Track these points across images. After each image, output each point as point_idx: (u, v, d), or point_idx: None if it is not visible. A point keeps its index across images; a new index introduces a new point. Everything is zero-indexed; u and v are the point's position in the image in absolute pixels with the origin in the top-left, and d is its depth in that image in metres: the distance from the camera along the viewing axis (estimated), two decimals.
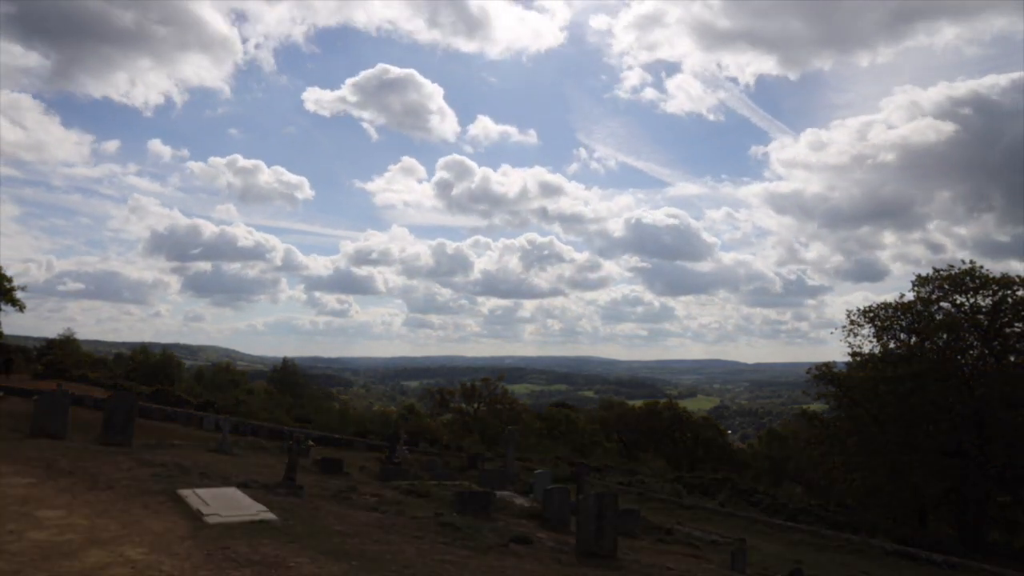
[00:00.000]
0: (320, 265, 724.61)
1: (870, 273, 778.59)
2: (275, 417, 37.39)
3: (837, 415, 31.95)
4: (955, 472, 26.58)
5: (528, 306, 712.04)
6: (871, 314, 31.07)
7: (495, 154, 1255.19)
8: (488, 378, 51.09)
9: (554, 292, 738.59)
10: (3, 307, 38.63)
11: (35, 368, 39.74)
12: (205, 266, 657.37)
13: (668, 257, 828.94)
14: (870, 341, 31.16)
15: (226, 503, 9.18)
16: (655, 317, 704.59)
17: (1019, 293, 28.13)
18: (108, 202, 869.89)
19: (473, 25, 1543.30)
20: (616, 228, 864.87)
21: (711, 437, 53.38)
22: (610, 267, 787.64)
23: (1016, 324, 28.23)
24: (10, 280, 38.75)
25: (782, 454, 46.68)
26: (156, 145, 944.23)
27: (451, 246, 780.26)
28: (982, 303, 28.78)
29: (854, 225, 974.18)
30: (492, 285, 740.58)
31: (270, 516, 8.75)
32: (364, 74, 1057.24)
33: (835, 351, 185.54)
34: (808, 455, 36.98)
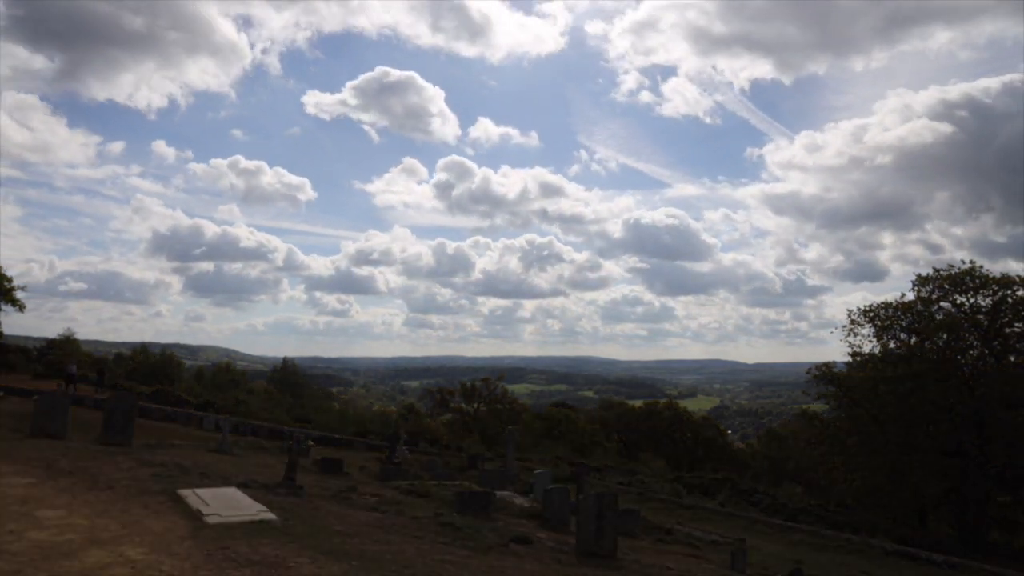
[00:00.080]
0: (321, 265, 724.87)
1: (869, 273, 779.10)
2: (275, 417, 37.40)
3: (837, 415, 31.96)
4: (955, 472, 26.59)
5: (528, 306, 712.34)
6: (871, 314, 31.08)
7: (496, 156, 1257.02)
8: (488, 378, 51.09)
9: (554, 292, 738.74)
10: (3, 307, 38.63)
11: (35, 368, 39.76)
12: (207, 266, 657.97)
13: (668, 257, 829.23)
14: (870, 341, 31.24)
15: (226, 503, 9.18)
16: (655, 317, 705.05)
17: (1019, 293, 28.14)
18: (111, 203, 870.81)
19: (475, 31, 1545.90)
20: (616, 228, 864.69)
21: (711, 437, 53.43)
22: (610, 267, 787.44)
23: (1016, 324, 28.24)
24: (10, 280, 38.75)
25: (782, 454, 46.70)
26: (160, 146, 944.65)
27: (451, 246, 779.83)
28: (982, 303, 28.79)
29: (852, 226, 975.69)
30: (492, 285, 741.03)
31: (270, 516, 8.75)
32: (365, 77, 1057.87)
33: (835, 351, 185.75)
34: (808, 455, 37.02)
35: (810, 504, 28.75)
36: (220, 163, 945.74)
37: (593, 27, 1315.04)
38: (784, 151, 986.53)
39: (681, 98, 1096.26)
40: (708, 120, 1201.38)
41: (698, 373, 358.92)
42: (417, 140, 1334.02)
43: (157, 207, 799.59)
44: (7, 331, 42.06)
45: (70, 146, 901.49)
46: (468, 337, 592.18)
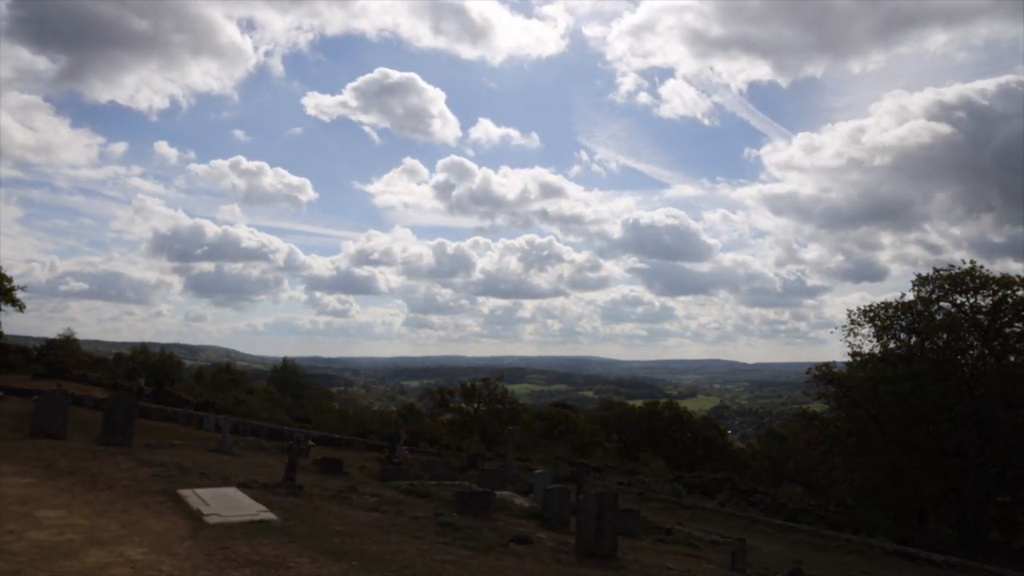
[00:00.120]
0: (321, 265, 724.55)
1: (869, 273, 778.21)
2: (275, 417, 37.41)
3: (837, 415, 31.93)
4: (955, 472, 26.58)
5: (528, 306, 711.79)
6: (871, 314, 31.07)
7: (496, 157, 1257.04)
8: (488, 378, 51.06)
9: (554, 292, 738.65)
10: (3, 307, 38.64)
11: (35, 368, 39.78)
12: (208, 266, 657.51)
13: (668, 257, 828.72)
14: (870, 341, 31.19)
15: (226, 503, 9.18)
16: (655, 317, 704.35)
17: (1019, 293, 28.12)
18: (112, 203, 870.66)
19: (476, 34, 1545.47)
20: (616, 229, 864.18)
21: (711, 437, 53.42)
22: (610, 267, 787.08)
23: (1016, 324, 28.23)
24: (10, 280, 38.77)
25: (782, 454, 46.68)
26: (163, 147, 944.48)
27: (451, 246, 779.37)
28: (982, 303, 28.78)
29: (852, 226, 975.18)
30: (492, 285, 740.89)
31: (270, 516, 8.76)
32: (366, 78, 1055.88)
33: (835, 351, 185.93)
34: (808, 455, 36.99)
35: (810, 504, 28.74)
36: (221, 164, 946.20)
37: (593, 30, 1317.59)
38: (782, 152, 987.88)
39: (679, 99, 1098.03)
40: (707, 121, 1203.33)
41: (698, 373, 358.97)
42: (418, 141, 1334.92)
43: (159, 207, 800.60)
44: (7, 331, 42.10)
45: (73, 147, 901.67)
46: (468, 337, 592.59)
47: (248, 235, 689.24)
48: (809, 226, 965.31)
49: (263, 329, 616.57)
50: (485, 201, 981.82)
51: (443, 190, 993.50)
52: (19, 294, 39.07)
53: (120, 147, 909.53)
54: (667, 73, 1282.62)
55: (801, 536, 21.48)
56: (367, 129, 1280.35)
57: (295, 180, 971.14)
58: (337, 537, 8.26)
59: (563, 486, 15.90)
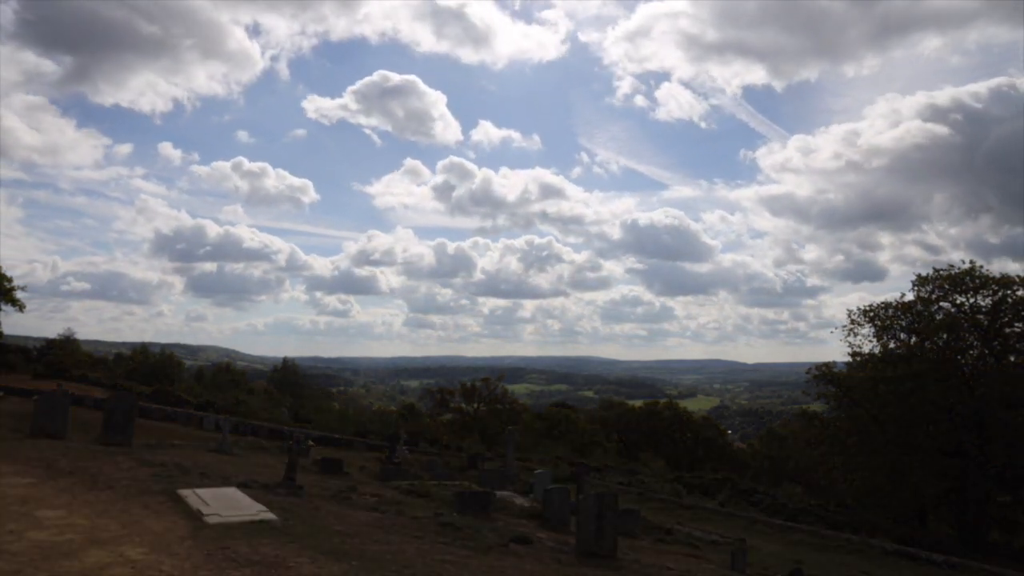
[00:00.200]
0: (322, 265, 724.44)
1: (869, 273, 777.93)
2: (275, 417, 37.40)
3: (837, 415, 31.93)
4: (955, 472, 26.58)
5: (528, 306, 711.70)
6: (871, 314, 31.07)
7: (497, 159, 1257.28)
8: (488, 378, 51.06)
9: (554, 292, 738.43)
10: (3, 307, 38.65)
11: (35, 368, 39.77)
12: (210, 267, 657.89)
13: (667, 258, 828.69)
14: (870, 341, 31.19)
15: (226, 503, 9.18)
16: (655, 317, 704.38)
17: (1019, 293, 28.11)
18: (115, 204, 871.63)
19: (478, 39, 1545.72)
20: (616, 229, 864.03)
21: (711, 437, 53.40)
22: (610, 267, 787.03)
23: (1016, 324, 28.22)
24: (10, 280, 38.78)
25: (782, 454, 46.67)
26: (166, 148, 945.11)
27: (452, 246, 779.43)
28: (982, 303, 28.77)
29: (850, 227, 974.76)
30: (492, 285, 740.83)
31: (270, 516, 8.76)
32: (366, 81, 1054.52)
33: (835, 351, 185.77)
34: (808, 455, 37.00)
35: (810, 504, 28.73)
36: (224, 165, 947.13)
37: (590, 35, 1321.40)
38: (777, 154, 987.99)
39: (675, 103, 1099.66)
40: (703, 124, 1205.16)
41: (698, 373, 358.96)
42: (419, 143, 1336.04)
43: (161, 208, 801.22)
44: (7, 331, 42.12)
45: (78, 148, 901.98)
46: (468, 337, 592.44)
47: (250, 236, 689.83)
48: (807, 227, 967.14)
49: (263, 329, 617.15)
50: (485, 202, 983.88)
51: (444, 191, 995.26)
52: (19, 294, 39.12)
53: (125, 148, 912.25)
54: (663, 77, 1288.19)
55: (801, 536, 21.48)
56: (368, 131, 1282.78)
57: (297, 181, 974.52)
58: (337, 537, 8.26)
59: (563, 486, 15.90)
